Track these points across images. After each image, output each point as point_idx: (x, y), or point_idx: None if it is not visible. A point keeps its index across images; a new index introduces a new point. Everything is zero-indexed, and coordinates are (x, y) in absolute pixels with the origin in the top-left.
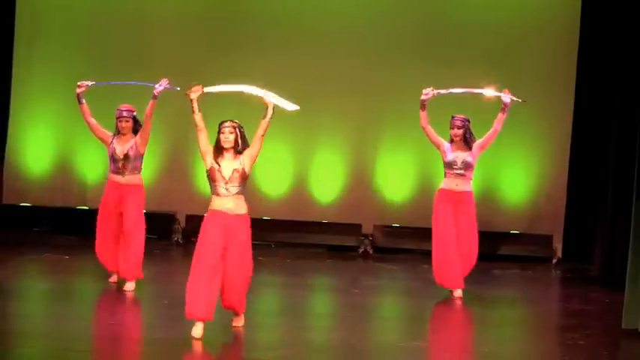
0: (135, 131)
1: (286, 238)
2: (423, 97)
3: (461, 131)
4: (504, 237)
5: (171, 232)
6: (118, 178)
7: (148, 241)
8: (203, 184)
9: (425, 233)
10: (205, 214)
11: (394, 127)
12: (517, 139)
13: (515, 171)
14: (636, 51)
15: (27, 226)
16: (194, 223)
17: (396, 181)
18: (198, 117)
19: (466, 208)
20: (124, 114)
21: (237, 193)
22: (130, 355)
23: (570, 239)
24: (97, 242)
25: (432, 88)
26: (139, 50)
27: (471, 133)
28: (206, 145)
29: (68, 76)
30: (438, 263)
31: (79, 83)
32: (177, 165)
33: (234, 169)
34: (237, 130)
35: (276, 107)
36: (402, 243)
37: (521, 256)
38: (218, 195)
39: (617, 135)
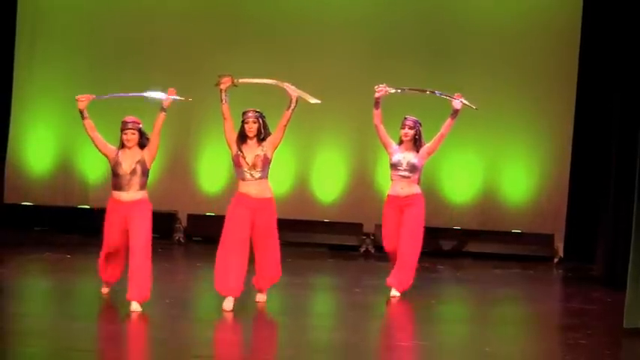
0: (141, 145)
1: (288, 237)
2: (376, 94)
3: (412, 132)
4: (506, 236)
5: (173, 232)
6: (123, 195)
7: None
8: (204, 184)
9: (426, 233)
10: (232, 198)
11: (396, 127)
12: (518, 138)
13: (517, 170)
14: (638, 50)
15: (28, 226)
16: (196, 222)
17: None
18: (225, 107)
19: (412, 210)
20: (129, 125)
21: (261, 178)
22: (132, 355)
23: (572, 238)
24: (102, 258)
25: (384, 85)
26: (140, 51)
27: (420, 136)
28: (231, 133)
29: (69, 76)
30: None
31: (79, 97)
32: (178, 164)
33: (257, 155)
34: (259, 119)
35: (299, 99)
36: None
37: (523, 256)
38: (243, 180)
39: (618, 134)
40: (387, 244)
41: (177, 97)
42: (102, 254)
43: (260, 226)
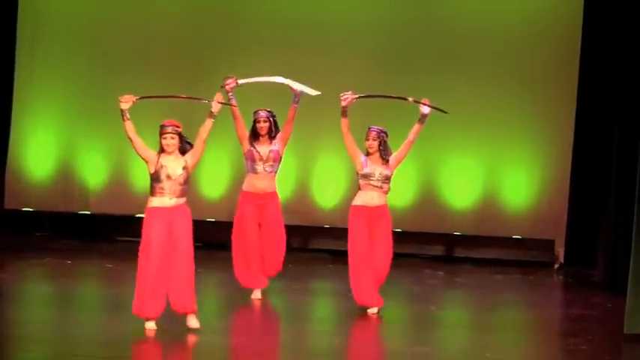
0: (182, 150)
1: (289, 242)
2: (342, 103)
3: (376, 142)
4: (506, 242)
5: None
6: (166, 201)
7: None
8: (204, 190)
9: (426, 238)
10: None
11: (396, 132)
12: (519, 143)
13: (517, 175)
14: (638, 55)
15: (29, 231)
16: (196, 227)
17: (397, 186)
18: (235, 108)
19: (382, 223)
20: (168, 130)
21: (271, 172)
22: None
23: (572, 244)
24: (142, 286)
25: (350, 93)
26: (141, 55)
27: (385, 146)
28: (243, 131)
29: (70, 81)
30: (356, 283)
31: (123, 98)
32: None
33: (270, 150)
34: (270, 118)
35: (302, 93)
36: (404, 248)
37: (523, 261)
38: (255, 173)
39: (619, 139)
40: (362, 259)
41: (229, 103)
42: (141, 279)
43: (267, 218)
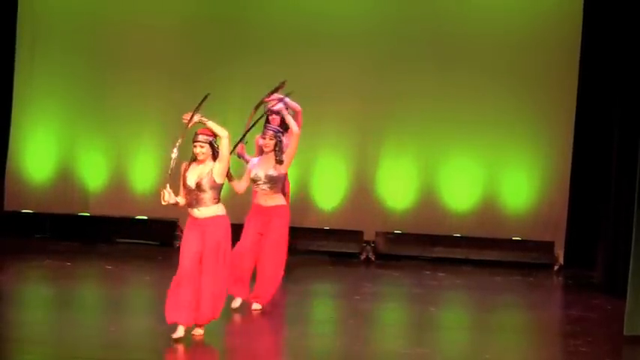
0: (214, 159)
1: (288, 244)
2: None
3: (272, 142)
4: (506, 243)
5: (173, 239)
6: (195, 212)
7: (149, 247)
8: None
9: (427, 240)
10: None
11: (396, 134)
12: (519, 145)
13: (517, 177)
14: (638, 57)
15: (28, 233)
16: None
17: (397, 188)
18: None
19: (275, 222)
20: (199, 138)
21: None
22: None
23: (572, 246)
24: (175, 292)
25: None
26: (141, 56)
27: (281, 146)
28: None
29: (70, 82)
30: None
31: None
32: (178, 171)
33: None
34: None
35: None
36: (404, 250)
37: (523, 263)
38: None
39: (619, 141)
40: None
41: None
42: (175, 285)
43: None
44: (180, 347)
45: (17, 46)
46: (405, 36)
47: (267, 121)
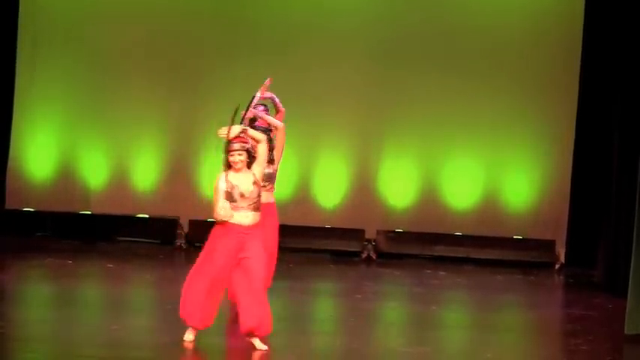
0: (249, 166)
1: (290, 243)
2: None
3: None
4: (507, 242)
5: (175, 237)
6: (242, 219)
7: (150, 245)
8: (206, 189)
9: (428, 238)
10: None
11: (398, 133)
12: (520, 144)
13: (518, 176)
14: (639, 57)
15: (30, 231)
16: (197, 228)
17: (399, 187)
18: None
19: (269, 220)
20: (235, 147)
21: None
22: None
23: (573, 244)
24: (198, 293)
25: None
26: (142, 57)
27: (272, 145)
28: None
29: (71, 80)
30: None
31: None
32: (180, 170)
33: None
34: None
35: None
36: (405, 248)
37: (524, 262)
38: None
39: (620, 140)
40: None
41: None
42: (199, 288)
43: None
44: (179, 346)
45: (19, 45)
46: (406, 37)
47: (253, 125)
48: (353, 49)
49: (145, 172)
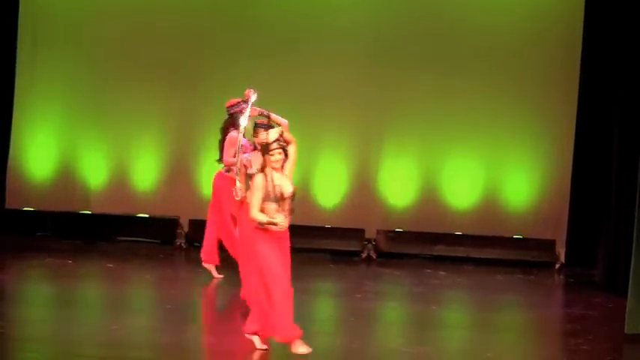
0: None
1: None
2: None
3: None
4: (507, 242)
5: (175, 237)
6: (281, 221)
7: (150, 245)
8: (206, 189)
9: (428, 238)
10: None
11: (398, 132)
12: (520, 143)
13: (518, 176)
14: (639, 57)
15: (30, 231)
16: (197, 227)
17: (399, 186)
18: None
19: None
20: (275, 145)
21: None
22: None
23: (573, 244)
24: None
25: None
26: (142, 57)
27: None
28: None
29: (71, 79)
30: None
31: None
32: (180, 170)
33: None
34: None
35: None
36: (405, 248)
37: (524, 261)
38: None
39: (620, 139)
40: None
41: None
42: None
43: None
44: (179, 346)
45: (19, 45)
46: (406, 37)
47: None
48: (353, 49)
49: (145, 172)
